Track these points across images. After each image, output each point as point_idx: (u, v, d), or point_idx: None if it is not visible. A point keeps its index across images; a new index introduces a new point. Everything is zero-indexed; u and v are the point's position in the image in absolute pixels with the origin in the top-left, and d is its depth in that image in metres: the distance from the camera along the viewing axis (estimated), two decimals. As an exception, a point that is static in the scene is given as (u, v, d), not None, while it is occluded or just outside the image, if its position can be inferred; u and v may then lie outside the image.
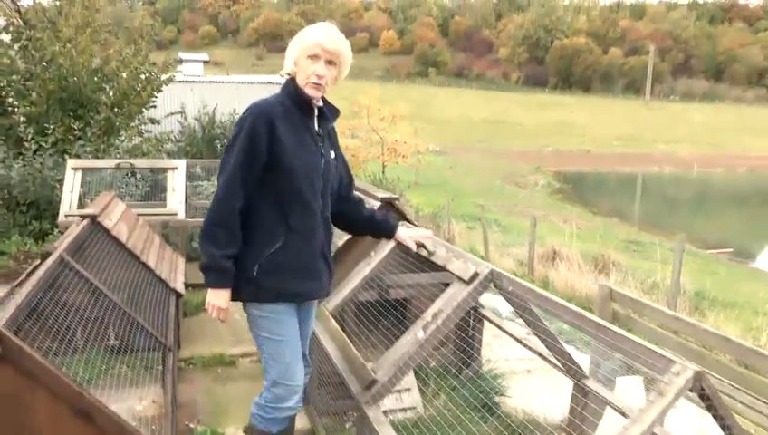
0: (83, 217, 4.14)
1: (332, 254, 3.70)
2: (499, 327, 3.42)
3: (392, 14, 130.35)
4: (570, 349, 3.32)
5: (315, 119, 2.54)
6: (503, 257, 11.56)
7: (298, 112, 2.48)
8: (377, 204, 3.69)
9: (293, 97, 2.47)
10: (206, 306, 2.47)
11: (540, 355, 3.00)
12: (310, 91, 2.45)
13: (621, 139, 59.63)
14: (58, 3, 10.18)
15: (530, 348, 3.07)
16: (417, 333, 2.58)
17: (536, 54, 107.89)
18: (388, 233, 2.91)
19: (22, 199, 7.75)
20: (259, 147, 2.38)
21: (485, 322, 3.86)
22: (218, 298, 2.43)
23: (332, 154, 2.62)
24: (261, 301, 2.50)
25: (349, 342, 2.94)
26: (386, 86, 68.38)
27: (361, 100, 25.01)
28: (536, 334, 2.71)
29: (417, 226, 3.57)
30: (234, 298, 2.51)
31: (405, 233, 2.91)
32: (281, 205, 2.45)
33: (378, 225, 2.89)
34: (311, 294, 2.60)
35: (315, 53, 2.41)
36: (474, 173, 36.06)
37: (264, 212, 2.46)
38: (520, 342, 3.18)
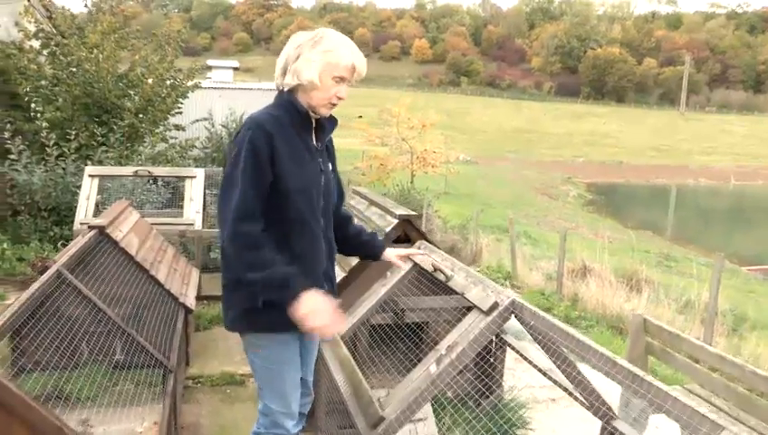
0: (91, 227, 4.00)
1: (346, 274, 3.52)
2: (523, 356, 3.17)
3: (424, 22, 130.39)
4: (598, 375, 3.06)
5: (313, 132, 2.35)
6: (531, 271, 11.21)
7: (296, 127, 2.27)
8: (394, 221, 3.48)
9: (291, 110, 2.26)
10: (312, 333, 2.19)
11: (566, 391, 2.74)
12: (325, 111, 2.29)
13: (655, 150, 58.56)
14: (87, 8, 10.21)
15: (556, 382, 2.81)
16: (429, 367, 2.35)
17: (569, 64, 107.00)
18: (374, 254, 2.70)
19: (43, 205, 7.73)
20: (264, 162, 2.17)
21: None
22: (311, 303, 2.11)
23: (330, 168, 2.44)
24: (264, 331, 2.33)
25: (358, 373, 2.72)
26: (417, 94, 68.20)
27: (392, 108, 24.81)
28: (562, 371, 2.46)
29: (436, 245, 3.35)
30: (235, 329, 2.37)
31: (392, 253, 2.72)
32: (282, 229, 2.24)
33: (363, 245, 2.67)
34: None
35: (344, 76, 2.23)
36: (504, 183, 35.62)
37: None
38: (545, 374, 2.92)
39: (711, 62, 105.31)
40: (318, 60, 2.20)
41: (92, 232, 3.93)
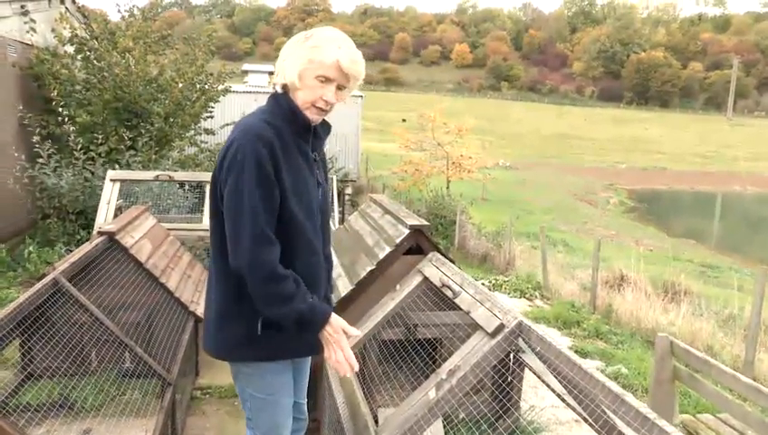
0: (101, 233, 3.93)
1: (354, 286, 3.36)
2: (540, 378, 2.96)
3: (465, 27, 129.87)
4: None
5: (310, 141, 2.12)
6: (566, 281, 10.90)
7: (293, 136, 2.04)
8: (405, 231, 3.30)
9: (289, 117, 2.02)
10: (330, 365, 2.06)
11: (585, 420, 2.52)
12: (310, 115, 2.03)
13: (700, 156, 56.98)
14: (120, 14, 10.29)
15: (574, 409, 2.59)
16: (428, 393, 2.17)
17: (612, 69, 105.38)
18: None
19: (71, 208, 7.76)
20: (270, 176, 1.93)
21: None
22: (333, 338, 2.02)
23: (324, 179, 2.24)
24: (262, 360, 2.14)
25: (358, 394, 2.56)
26: (457, 99, 67.73)
27: (428, 113, 24.64)
28: (574, 398, 2.24)
29: (449, 259, 3.16)
30: (226, 358, 2.19)
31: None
32: (284, 246, 2.00)
33: None
34: (315, 348, 2.12)
35: (329, 76, 1.97)
36: (544, 189, 35.01)
37: None
38: (562, 399, 2.71)
39: (761, 65, 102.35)
40: (301, 56, 1.98)
41: (101, 238, 3.85)
